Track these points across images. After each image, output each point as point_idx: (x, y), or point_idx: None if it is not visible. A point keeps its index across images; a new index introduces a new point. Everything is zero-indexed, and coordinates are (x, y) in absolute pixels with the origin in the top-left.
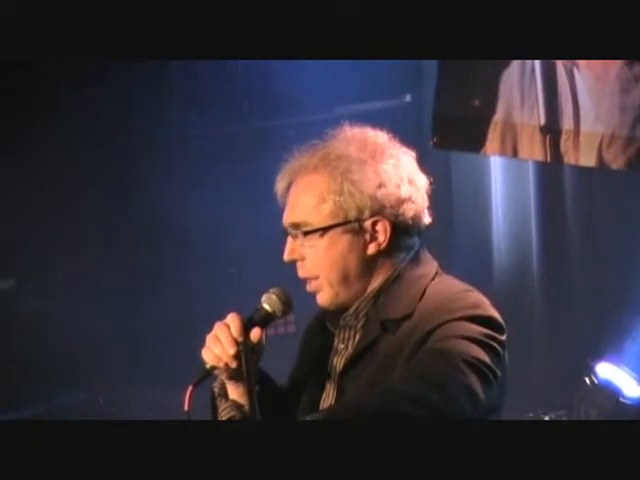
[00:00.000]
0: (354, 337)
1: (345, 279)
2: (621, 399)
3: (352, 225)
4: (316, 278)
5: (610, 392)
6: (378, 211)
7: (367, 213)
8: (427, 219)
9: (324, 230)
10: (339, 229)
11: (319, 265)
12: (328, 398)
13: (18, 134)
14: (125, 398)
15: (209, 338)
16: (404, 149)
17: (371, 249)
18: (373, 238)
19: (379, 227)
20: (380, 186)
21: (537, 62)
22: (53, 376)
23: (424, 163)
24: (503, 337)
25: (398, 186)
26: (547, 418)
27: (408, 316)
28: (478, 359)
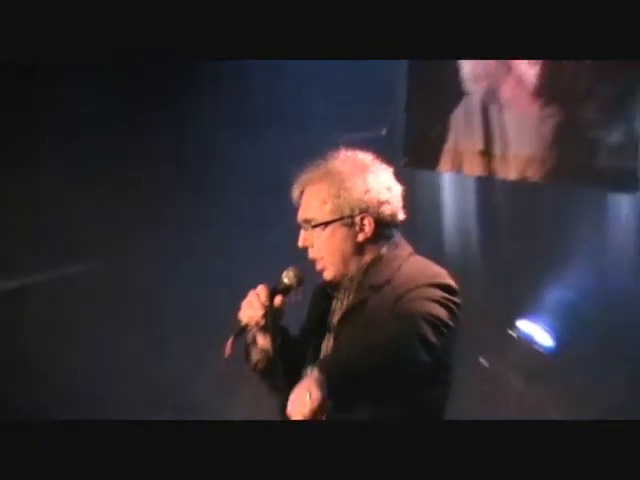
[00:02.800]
0: (348, 298)
1: (342, 259)
2: (536, 347)
3: (346, 220)
4: (322, 259)
5: (529, 342)
6: (365, 210)
7: (357, 211)
8: (402, 216)
9: (326, 224)
10: (337, 223)
11: (323, 250)
12: (327, 345)
13: (18, 134)
14: (125, 398)
15: (244, 304)
16: (384, 166)
17: (360, 238)
18: (362, 230)
19: (366, 222)
20: (366, 192)
21: (477, 103)
22: (54, 376)
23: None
24: (457, 299)
25: (379, 192)
26: (482, 360)
27: (388, 282)
28: (433, 314)
